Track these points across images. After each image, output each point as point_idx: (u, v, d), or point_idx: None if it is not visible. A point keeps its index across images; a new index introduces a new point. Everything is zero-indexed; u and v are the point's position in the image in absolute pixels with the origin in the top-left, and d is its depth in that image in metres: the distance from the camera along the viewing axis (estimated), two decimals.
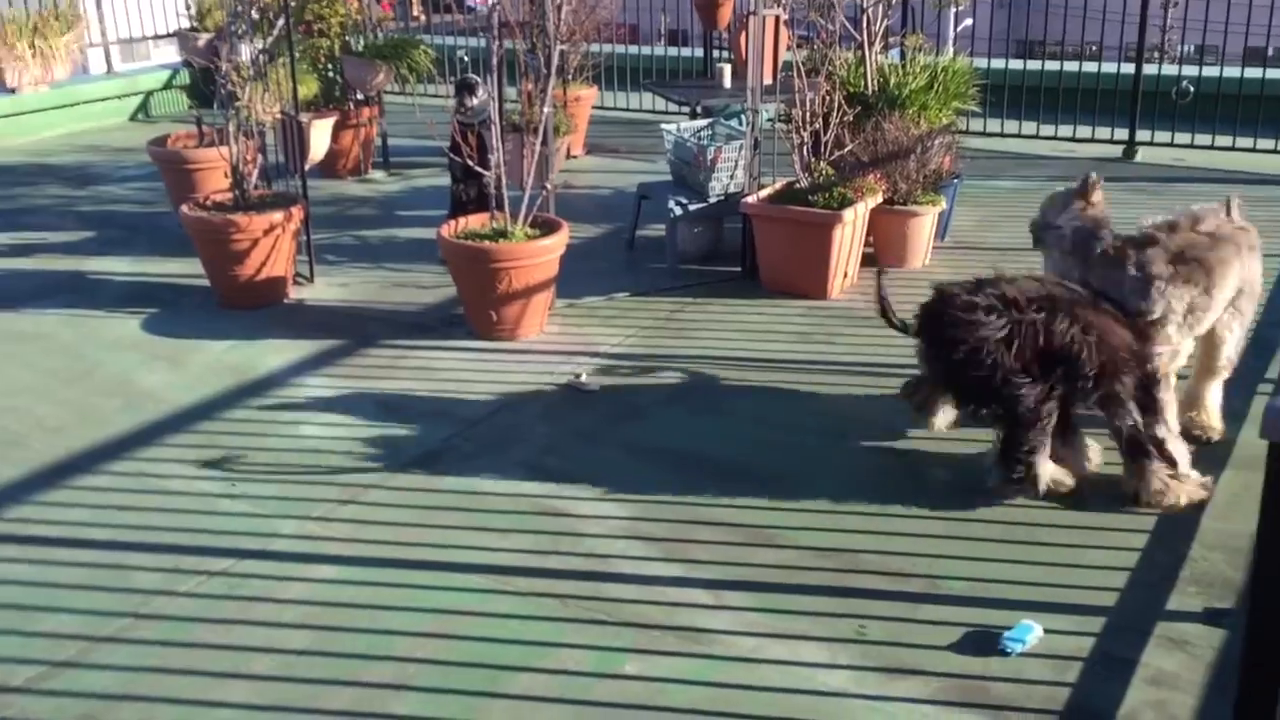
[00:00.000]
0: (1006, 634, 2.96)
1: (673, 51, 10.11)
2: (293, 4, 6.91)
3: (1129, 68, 8.02)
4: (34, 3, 9.43)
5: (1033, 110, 8.13)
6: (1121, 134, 7.94)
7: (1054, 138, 8.12)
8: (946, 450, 3.97)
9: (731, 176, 5.79)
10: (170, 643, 3.05)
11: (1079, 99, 8.01)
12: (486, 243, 4.95)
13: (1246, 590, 1.58)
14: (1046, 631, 2.98)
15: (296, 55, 6.99)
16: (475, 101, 5.76)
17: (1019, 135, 8.18)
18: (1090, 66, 9.04)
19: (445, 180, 6.35)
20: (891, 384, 4.46)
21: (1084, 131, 8.02)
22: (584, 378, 4.56)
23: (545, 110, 5.30)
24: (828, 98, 5.60)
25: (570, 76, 8.04)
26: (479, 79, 6.00)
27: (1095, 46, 10.10)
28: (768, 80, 5.90)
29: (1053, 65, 8.48)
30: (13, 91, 9.16)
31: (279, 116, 5.84)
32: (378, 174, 7.95)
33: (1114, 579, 3.22)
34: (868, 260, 5.72)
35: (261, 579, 3.33)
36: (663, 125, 6.34)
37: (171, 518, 3.66)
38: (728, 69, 7.41)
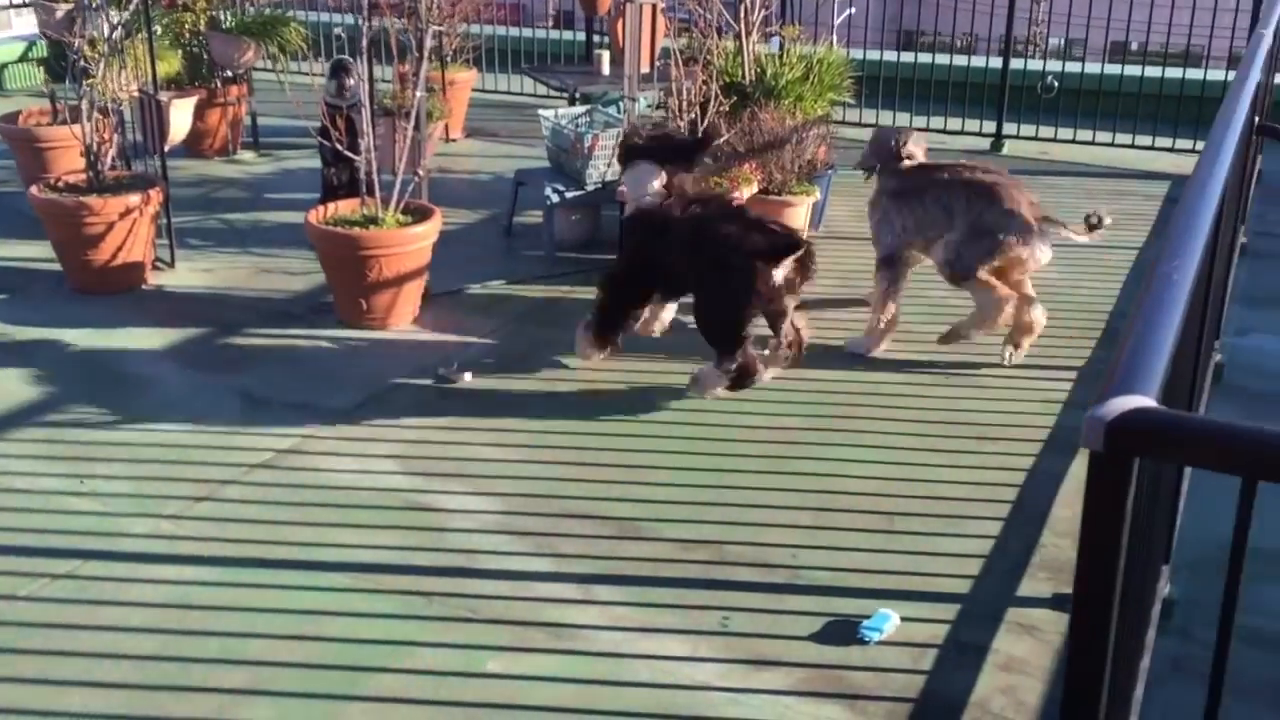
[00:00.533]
0: (864, 623, 3.02)
1: (555, 35, 10.02)
2: None
3: (998, 61, 8.25)
4: None
5: (906, 101, 8.30)
6: (990, 126, 8.16)
7: (926, 129, 8.27)
8: (813, 440, 4.04)
9: (609, 164, 5.77)
10: (11, 649, 2.92)
11: (950, 91, 8.21)
12: (356, 229, 4.84)
13: (1071, 594, 1.63)
14: (903, 620, 3.05)
15: (159, 31, 6.73)
16: (351, 83, 5.63)
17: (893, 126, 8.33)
18: (962, 59, 9.27)
19: (318, 163, 6.19)
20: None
21: (955, 123, 8.22)
22: (456, 368, 4.50)
23: (418, 94, 5.19)
24: (705, 87, 5.62)
25: (448, 58, 7.91)
26: (353, 61, 5.87)
27: (970, 39, 10.36)
28: (645, 68, 5.90)
29: (926, 57, 8.68)
30: None
31: (137, 94, 5.60)
32: (247, 155, 7.71)
33: (968, 566, 3.31)
34: None
35: (110, 581, 3.20)
36: (540, 111, 6.28)
37: (14, 517, 3.49)
38: (606, 56, 7.38)
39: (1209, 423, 1.34)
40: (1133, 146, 7.83)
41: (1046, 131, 8.03)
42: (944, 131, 8.24)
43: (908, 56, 8.69)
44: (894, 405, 4.32)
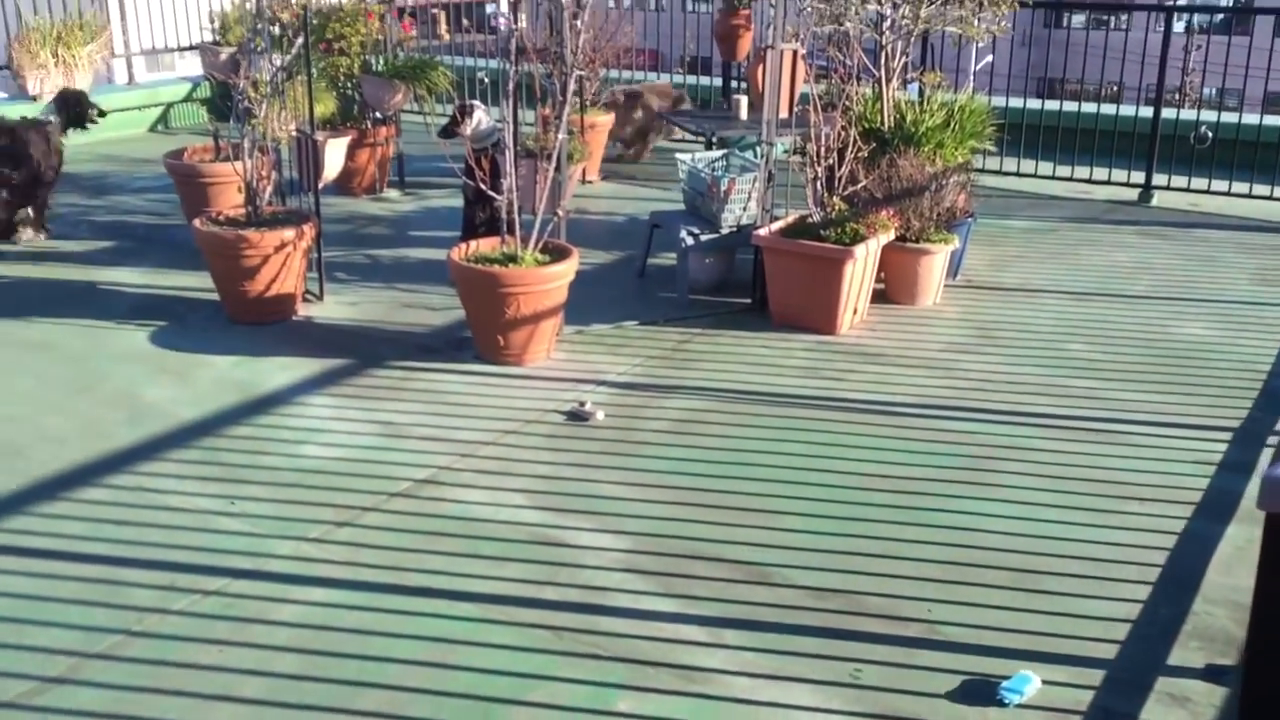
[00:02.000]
0: (1004, 684, 2.92)
1: (691, 80, 10.13)
2: (314, 22, 6.97)
3: (1148, 110, 8.02)
4: (59, 11, 9.52)
5: (1049, 150, 8.12)
6: (1138, 177, 7.93)
7: (1070, 179, 8.11)
8: (950, 492, 3.95)
9: (744, 208, 5.79)
10: (162, 662, 3.03)
11: (1096, 140, 8.00)
12: (496, 267, 4.95)
13: (1243, 655, 1.55)
14: (1045, 683, 2.94)
15: (316, 73, 7.04)
16: (470, 126, 5.82)
17: (1035, 175, 8.17)
18: (1109, 108, 9.03)
19: (460, 201, 6.37)
20: (901, 423, 4.45)
21: (1100, 173, 8.00)
22: (588, 406, 4.55)
23: (560, 136, 5.31)
24: (843, 133, 5.60)
25: (588, 102, 8.07)
26: (478, 103, 6.06)
27: (1115, 87, 10.09)
28: (784, 114, 5.91)
29: (1071, 105, 8.48)
30: (34, 99, 9.22)
31: (294, 134, 5.86)
32: (393, 193, 7.98)
33: (1115, 630, 3.18)
34: (878, 297, 5.71)
35: (255, 599, 3.31)
36: (678, 155, 6.34)
37: (169, 534, 3.65)
38: (744, 100, 7.42)
39: None
40: None
41: (1199, 183, 7.75)
42: (1089, 181, 8.04)
43: (1051, 104, 8.51)
44: (1034, 460, 4.19)
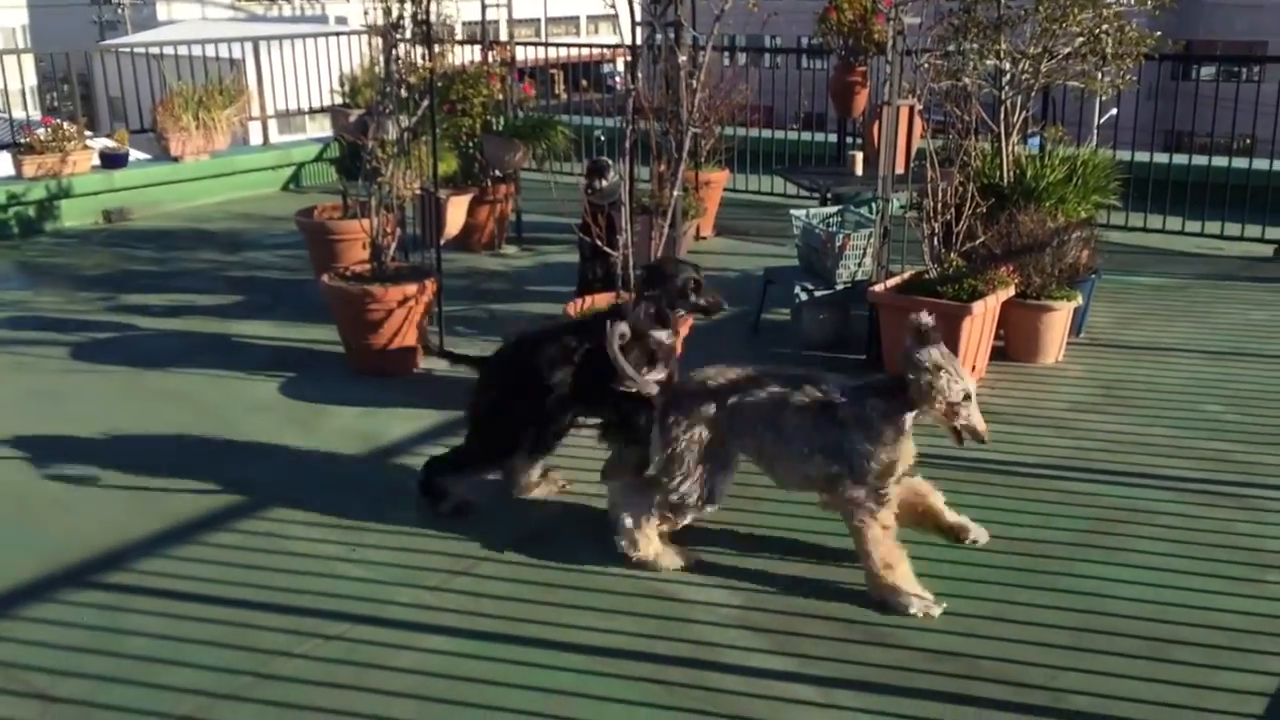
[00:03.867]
0: None
1: (805, 136, 10.17)
2: (438, 84, 7.22)
3: None
4: (200, 77, 10.05)
5: (1178, 205, 7.89)
6: (1274, 233, 7.64)
7: (1200, 234, 7.86)
8: (1073, 555, 3.83)
9: (859, 264, 5.77)
10: (286, 704, 3.12)
11: (1228, 194, 7.75)
12: None
13: None
14: None
15: (439, 133, 7.28)
16: (605, 184, 5.90)
17: (1163, 230, 7.93)
18: (1240, 162, 8.75)
19: (576, 257, 6.47)
20: (1024, 483, 4.34)
21: (1232, 229, 7.74)
22: None
23: (675, 193, 5.37)
24: (961, 188, 5.55)
25: (702, 159, 8.16)
26: (610, 161, 6.15)
27: (1248, 139, 9.77)
28: (900, 169, 5.88)
29: (1200, 159, 8.24)
30: (176, 160, 9.73)
31: (418, 192, 6.05)
32: (511, 249, 8.16)
33: (1251, 704, 3.03)
34: (997, 354, 5.61)
35: (375, 645, 3.38)
36: (792, 211, 6.36)
37: (294, 579, 3.76)
38: (860, 156, 7.41)
39: None
40: None
41: None
42: (1221, 237, 7.78)
43: (1180, 158, 8.28)
44: (1165, 524, 4.04)
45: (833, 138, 9.65)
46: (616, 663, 3.28)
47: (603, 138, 9.79)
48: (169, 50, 11.17)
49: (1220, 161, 8.06)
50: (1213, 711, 3.02)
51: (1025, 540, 3.94)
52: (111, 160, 9.44)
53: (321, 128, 11.55)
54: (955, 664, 3.25)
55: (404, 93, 6.23)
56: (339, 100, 9.62)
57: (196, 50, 10.96)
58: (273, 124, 11.12)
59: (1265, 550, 3.84)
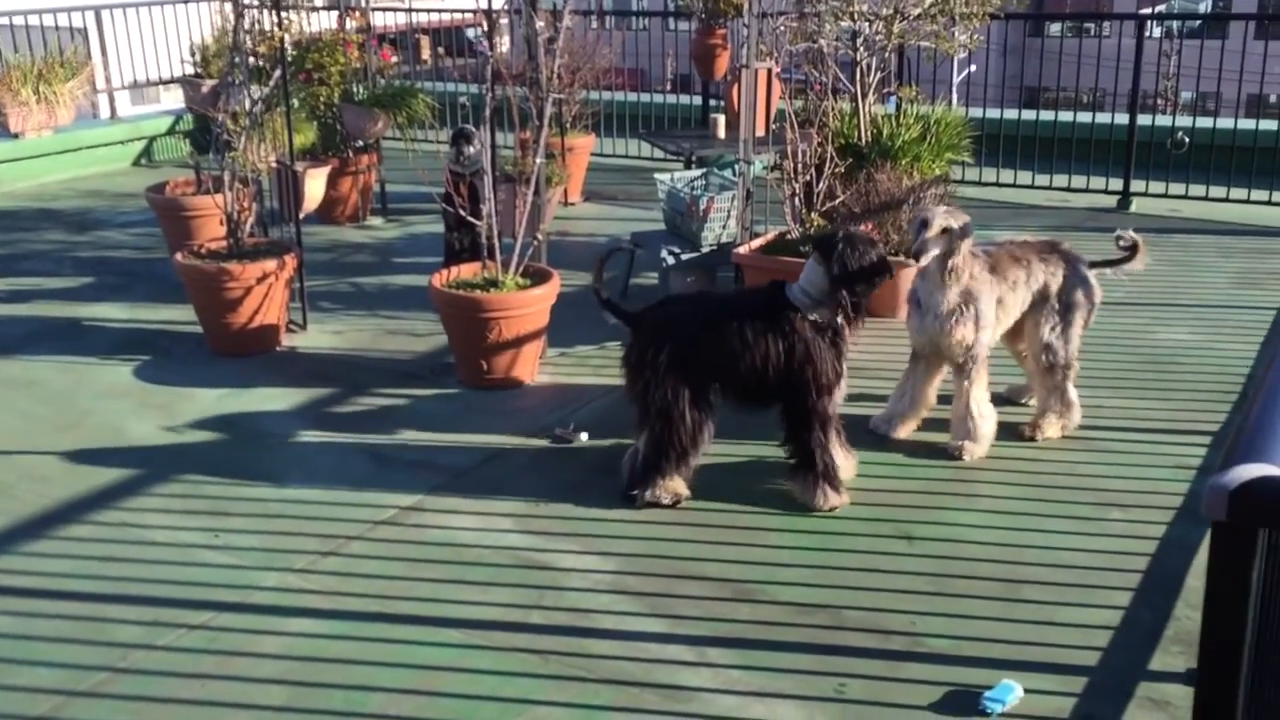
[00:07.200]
0: (987, 694, 2.94)
1: (671, 100, 10.19)
2: (292, 53, 7.00)
3: (1125, 117, 8.08)
4: (40, 49, 9.56)
5: (1028, 159, 8.17)
6: (1117, 184, 7.98)
7: (1049, 187, 8.16)
8: (929, 504, 3.97)
9: (724, 226, 5.83)
10: (147, 698, 3.04)
11: (1074, 148, 8.05)
12: (477, 292, 4.98)
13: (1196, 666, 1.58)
14: (1027, 691, 2.96)
15: (296, 104, 7.08)
16: (471, 150, 5.83)
17: (1014, 185, 8.22)
18: (1086, 115, 9.10)
19: (442, 228, 6.39)
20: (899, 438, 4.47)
21: (1079, 181, 8.06)
22: (572, 428, 4.56)
23: (538, 160, 5.34)
24: (820, 149, 5.65)
25: (568, 125, 8.12)
26: (475, 129, 6.07)
27: (1099, 94, 10.15)
28: (760, 132, 5.95)
29: (1048, 114, 8.54)
30: (16, 136, 9.26)
31: (275, 165, 5.89)
32: (376, 220, 8.01)
33: (1095, 637, 3.20)
34: None
35: (240, 632, 3.31)
36: (657, 175, 6.38)
37: (153, 569, 3.65)
38: (721, 120, 7.47)
39: None
40: (1269, 204, 7.56)
41: (1177, 189, 7.82)
42: (1068, 189, 8.09)
43: (1029, 114, 8.57)
44: (1013, 470, 4.22)
45: (697, 101, 9.70)
46: (492, 635, 3.28)
47: (467, 104, 9.68)
48: (3, 20, 10.57)
49: (1066, 116, 8.36)
50: (1061, 646, 3.17)
51: (885, 491, 4.06)
52: None
53: (176, 100, 11.09)
54: (821, 615, 3.35)
55: (256, 62, 6.03)
56: (190, 71, 9.27)
57: (34, 20, 10.40)
58: (125, 96, 10.65)
59: (1108, 490, 4.04)
